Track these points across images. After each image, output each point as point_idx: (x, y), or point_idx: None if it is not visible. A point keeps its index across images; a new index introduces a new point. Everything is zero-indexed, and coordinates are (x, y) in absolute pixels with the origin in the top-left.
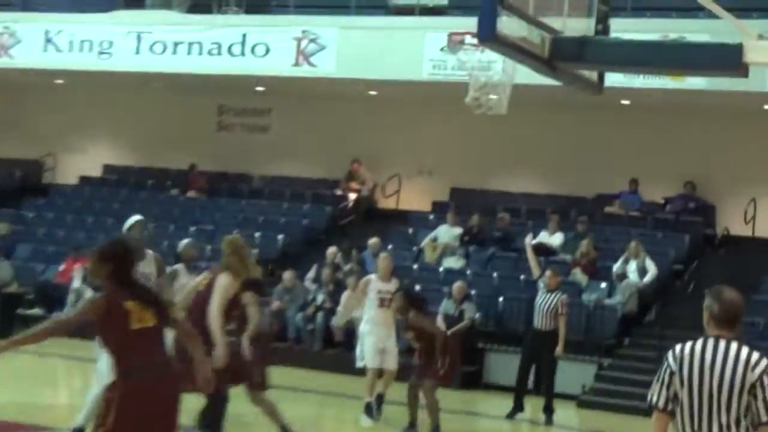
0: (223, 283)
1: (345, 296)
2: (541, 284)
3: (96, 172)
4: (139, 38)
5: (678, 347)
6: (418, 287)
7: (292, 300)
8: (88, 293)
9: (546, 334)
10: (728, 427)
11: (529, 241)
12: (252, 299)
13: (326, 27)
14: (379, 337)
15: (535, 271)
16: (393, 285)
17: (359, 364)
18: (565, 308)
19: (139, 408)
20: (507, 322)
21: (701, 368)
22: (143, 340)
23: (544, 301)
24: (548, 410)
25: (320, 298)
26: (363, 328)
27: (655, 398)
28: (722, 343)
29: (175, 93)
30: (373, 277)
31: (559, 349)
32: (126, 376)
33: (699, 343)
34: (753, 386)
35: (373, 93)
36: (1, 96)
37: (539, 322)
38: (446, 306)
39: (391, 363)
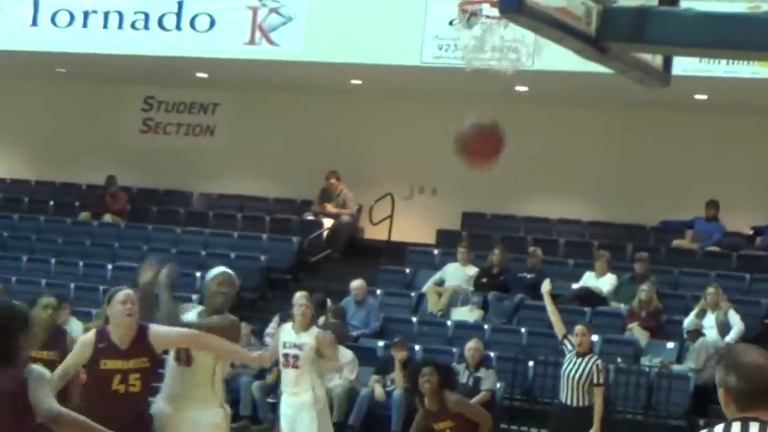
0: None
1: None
2: (568, 346)
3: None
4: (36, 5)
5: None
6: (417, 348)
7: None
8: None
9: (578, 412)
10: None
11: (548, 287)
12: None
13: None
14: (288, 407)
15: (558, 328)
16: (306, 337)
17: None
18: (601, 376)
19: None
20: (539, 394)
21: None
22: None
23: (575, 368)
24: None
25: None
26: None
27: None
28: (754, 430)
29: (86, 81)
30: (287, 326)
31: None
32: None
33: (718, 430)
34: None
35: (356, 83)
36: None
37: (568, 395)
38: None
39: None
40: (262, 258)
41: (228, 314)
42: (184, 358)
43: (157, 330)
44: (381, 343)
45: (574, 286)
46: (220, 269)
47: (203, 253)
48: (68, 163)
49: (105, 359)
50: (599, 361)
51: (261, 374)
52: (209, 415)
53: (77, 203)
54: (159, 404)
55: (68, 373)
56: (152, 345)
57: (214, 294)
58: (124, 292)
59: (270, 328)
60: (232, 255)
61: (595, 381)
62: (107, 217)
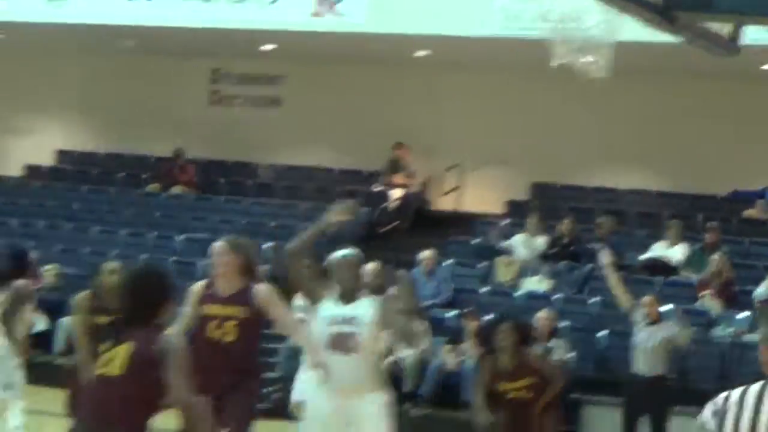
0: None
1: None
2: (638, 317)
3: (47, 159)
4: None
5: (721, 397)
6: (488, 318)
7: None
8: (40, 323)
9: (653, 381)
10: None
11: (608, 258)
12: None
13: None
14: None
15: (623, 300)
16: None
17: None
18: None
19: None
20: (611, 364)
21: (754, 425)
22: (98, 390)
23: (648, 337)
24: None
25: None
26: None
27: None
28: None
29: (154, 54)
30: None
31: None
32: (71, 428)
33: (754, 389)
34: None
35: (422, 54)
36: None
37: (643, 365)
38: None
39: None
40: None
41: (381, 297)
42: (348, 345)
43: (262, 289)
44: (452, 314)
45: (644, 256)
46: (346, 251)
47: (272, 224)
48: (137, 136)
49: (207, 304)
50: (671, 324)
51: None
52: (377, 399)
53: (146, 175)
54: (317, 393)
55: (190, 323)
56: (253, 299)
57: (347, 279)
58: (218, 244)
59: None
60: (301, 226)
61: (675, 343)
62: (176, 189)
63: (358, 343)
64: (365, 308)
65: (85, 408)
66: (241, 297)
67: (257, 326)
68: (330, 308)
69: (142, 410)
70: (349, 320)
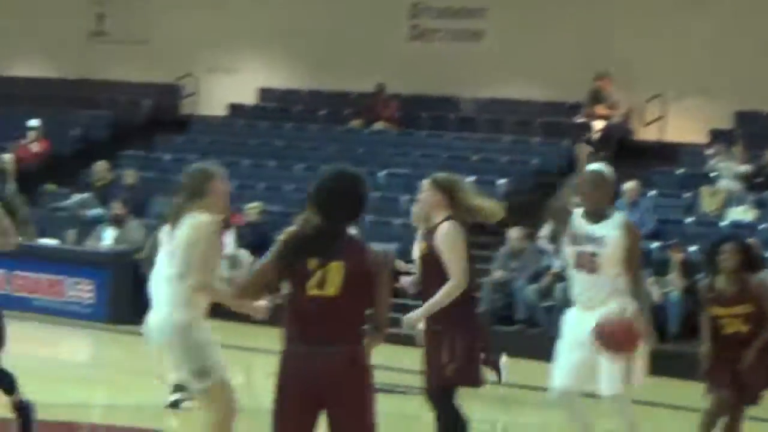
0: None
1: None
2: None
3: (250, 98)
4: None
5: None
6: (693, 249)
7: (521, 267)
8: (246, 259)
9: None
10: None
11: None
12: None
13: None
14: None
15: None
16: None
17: None
18: None
19: (290, 387)
20: None
21: None
22: (314, 312)
23: None
24: None
25: (558, 263)
26: None
27: None
28: None
29: None
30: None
31: None
32: (284, 350)
33: None
34: None
35: None
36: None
37: None
38: None
39: None
40: (534, 161)
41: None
42: (588, 265)
43: (442, 231)
44: (655, 245)
45: None
46: (595, 166)
47: (474, 158)
48: (338, 72)
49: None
50: None
51: (537, 276)
52: (613, 306)
53: (348, 111)
54: (571, 312)
55: None
56: (434, 237)
57: (594, 196)
58: (424, 181)
59: (544, 231)
60: (504, 159)
61: None
62: (378, 125)
63: (600, 262)
64: (611, 227)
65: (303, 332)
66: (427, 234)
67: (438, 263)
68: (576, 226)
69: (359, 327)
70: (593, 239)
